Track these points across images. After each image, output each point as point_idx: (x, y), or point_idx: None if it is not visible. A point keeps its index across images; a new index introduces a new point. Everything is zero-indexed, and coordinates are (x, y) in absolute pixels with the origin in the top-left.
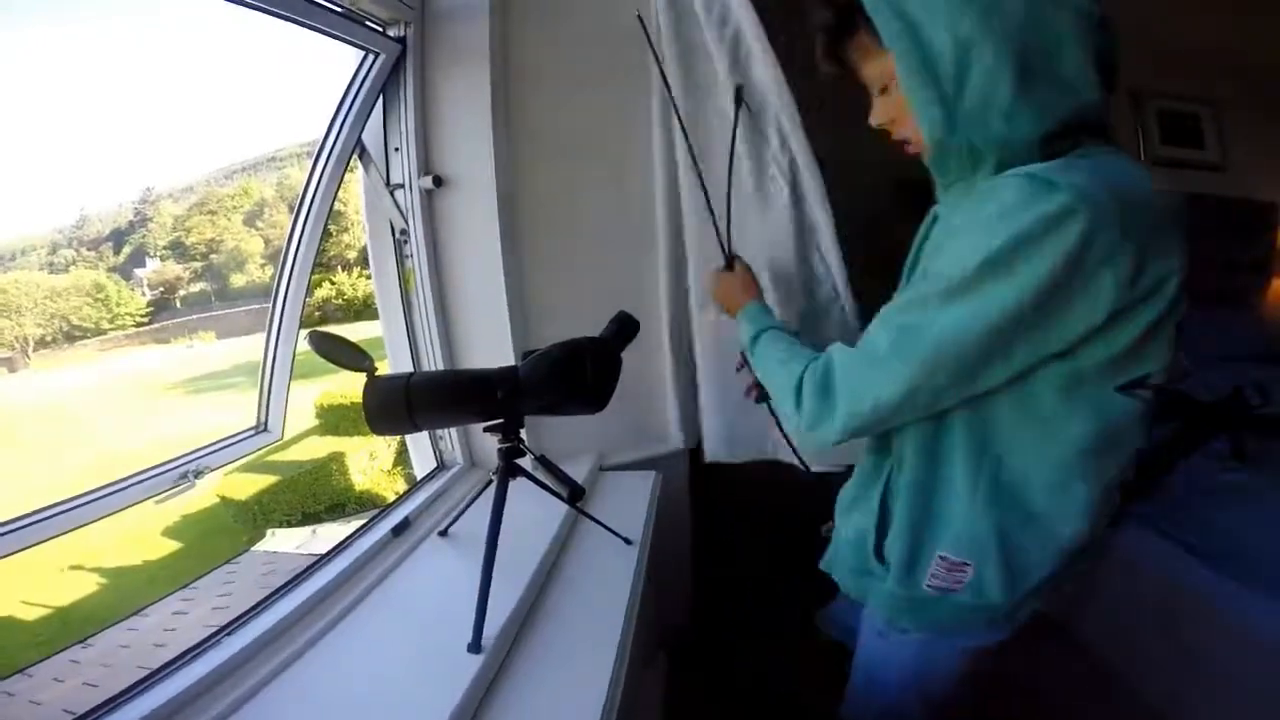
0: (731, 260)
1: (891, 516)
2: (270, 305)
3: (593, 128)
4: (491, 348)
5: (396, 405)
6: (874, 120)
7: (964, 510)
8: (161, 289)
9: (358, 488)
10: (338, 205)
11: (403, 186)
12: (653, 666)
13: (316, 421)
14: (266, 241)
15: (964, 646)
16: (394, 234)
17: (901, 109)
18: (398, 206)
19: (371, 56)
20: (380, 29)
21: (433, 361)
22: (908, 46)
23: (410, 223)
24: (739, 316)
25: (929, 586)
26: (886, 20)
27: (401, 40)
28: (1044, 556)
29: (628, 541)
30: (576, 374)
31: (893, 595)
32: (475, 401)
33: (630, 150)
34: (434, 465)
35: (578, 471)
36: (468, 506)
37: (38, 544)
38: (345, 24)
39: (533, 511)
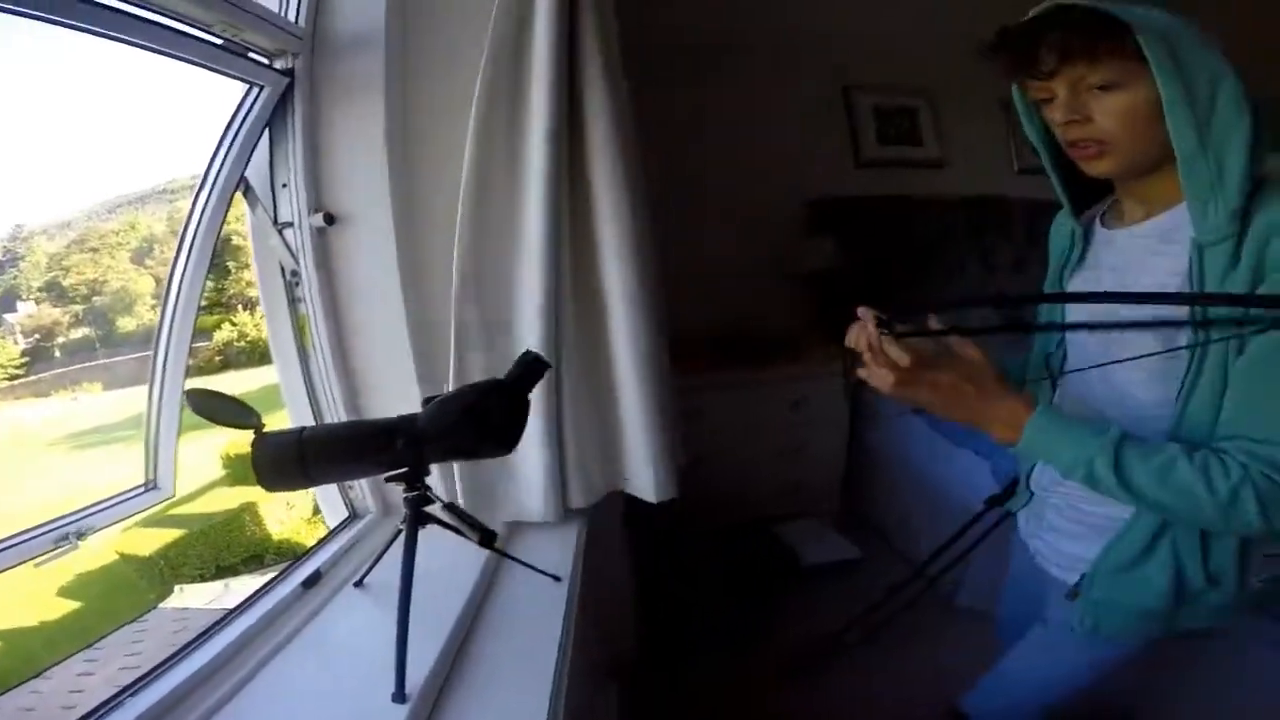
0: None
1: (1212, 540)
2: (152, 352)
3: None
4: (396, 394)
5: (288, 462)
6: (1065, 114)
7: None
8: (37, 335)
9: (276, 537)
10: (237, 240)
11: (292, 225)
12: (603, 695)
13: (224, 471)
14: (158, 280)
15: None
16: (285, 276)
17: (1123, 113)
18: (287, 247)
19: (256, 89)
20: (265, 61)
21: (334, 410)
22: (1172, 67)
23: (301, 264)
24: (1030, 438)
25: (1260, 580)
26: (1153, 41)
27: (289, 73)
28: None
29: (556, 579)
30: (480, 418)
31: (1221, 607)
32: (376, 452)
33: None
34: (345, 515)
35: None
36: (381, 555)
37: None
38: (225, 57)
39: (452, 558)
